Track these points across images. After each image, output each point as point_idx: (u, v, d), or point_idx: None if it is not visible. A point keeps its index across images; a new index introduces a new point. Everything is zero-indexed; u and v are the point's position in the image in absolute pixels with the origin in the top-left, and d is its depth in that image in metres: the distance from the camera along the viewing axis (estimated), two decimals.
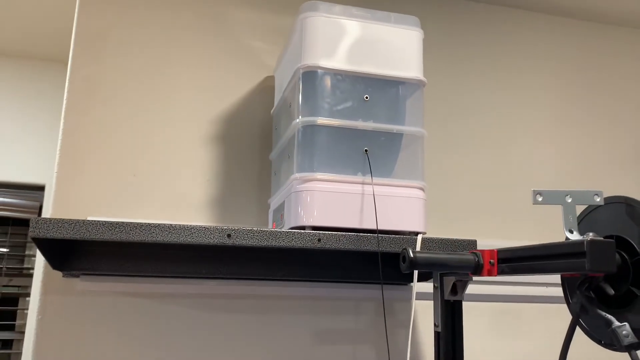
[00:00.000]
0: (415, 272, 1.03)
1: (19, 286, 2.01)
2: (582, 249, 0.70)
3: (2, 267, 1.98)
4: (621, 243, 0.76)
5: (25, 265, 2.03)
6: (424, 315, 1.41)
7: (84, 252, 1.18)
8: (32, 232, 0.91)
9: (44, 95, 2.08)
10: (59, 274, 1.22)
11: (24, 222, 2.01)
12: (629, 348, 0.72)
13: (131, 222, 0.95)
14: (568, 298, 0.85)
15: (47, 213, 2.03)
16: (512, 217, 1.55)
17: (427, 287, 1.29)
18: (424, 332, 1.41)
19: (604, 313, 0.74)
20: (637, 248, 0.74)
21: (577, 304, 0.77)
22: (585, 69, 1.74)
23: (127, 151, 1.32)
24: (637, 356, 0.71)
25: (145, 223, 0.96)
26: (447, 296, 1.05)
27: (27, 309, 1.97)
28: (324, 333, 1.35)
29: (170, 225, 0.97)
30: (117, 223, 0.95)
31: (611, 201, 0.79)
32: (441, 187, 1.52)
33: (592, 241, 0.70)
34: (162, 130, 1.35)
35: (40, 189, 2.03)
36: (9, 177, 1.98)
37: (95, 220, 0.94)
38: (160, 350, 1.23)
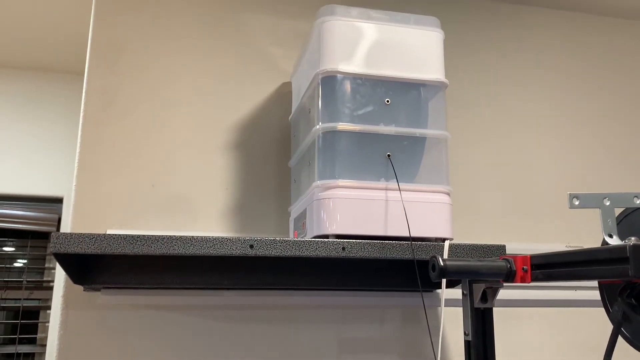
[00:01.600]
0: (444, 280, 0.99)
1: (39, 299, 2.01)
2: (624, 254, 0.67)
3: (22, 280, 1.98)
4: None
5: (45, 278, 2.03)
6: (450, 322, 1.38)
7: (104, 266, 1.16)
8: (52, 247, 0.90)
9: (61, 107, 2.08)
10: (80, 288, 1.21)
11: (43, 235, 2.01)
12: None
13: (152, 235, 0.94)
14: (607, 306, 0.81)
15: (66, 225, 2.03)
16: (537, 218, 1.51)
17: (454, 293, 1.26)
18: (451, 339, 1.37)
19: None
20: None
21: (619, 312, 0.74)
22: (609, 65, 1.70)
23: (145, 162, 1.31)
24: None
25: (166, 236, 0.94)
26: (477, 304, 1.01)
27: (48, 322, 1.97)
28: (350, 342, 1.32)
29: (192, 237, 0.95)
30: (138, 236, 0.93)
31: None
32: (463, 190, 1.48)
33: (635, 246, 0.66)
34: (179, 140, 1.34)
35: (59, 201, 2.03)
36: (27, 190, 1.98)
37: (115, 235, 0.93)
38: None
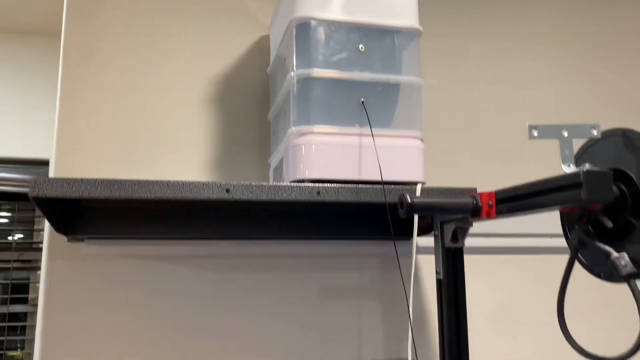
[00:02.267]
0: (415, 221, 1.03)
1: (29, 260, 2.04)
2: (578, 179, 0.70)
3: (11, 242, 2.01)
4: (620, 175, 0.75)
5: (34, 240, 2.05)
6: (426, 268, 1.41)
7: (87, 216, 1.19)
8: (31, 192, 0.92)
9: (43, 70, 2.07)
10: (63, 239, 1.23)
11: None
12: (628, 278, 0.71)
13: (130, 180, 0.96)
14: (567, 235, 0.84)
15: None
16: (513, 164, 1.53)
17: (428, 241, 1.29)
18: (428, 284, 1.41)
19: (602, 245, 0.74)
20: (635, 179, 0.73)
21: (576, 238, 0.77)
22: (586, 17, 1.70)
23: (125, 117, 1.32)
24: (635, 285, 0.71)
25: (143, 180, 0.96)
26: (447, 244, 1.05)
27: (39, 282, 2.00)
28: (330, 289, 1.36)
29: (169, 181, 0.98)
30: (116, 181, 0.95)
31: (608, 134, 0.78)
32: (440, 138, 1.50)
33: (588, 171, 0.69)
34: (159, 94, 1.35)
35: (45, 163, 2.04)
36: (12, 152, 1.99)
37: (94, 179, 0.95)
38: (167, 310, 1.25)
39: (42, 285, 1.22)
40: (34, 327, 2.01)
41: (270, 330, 1.30)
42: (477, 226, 1.40)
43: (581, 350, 0.75)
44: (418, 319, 1.40)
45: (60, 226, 1.13)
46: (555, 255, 1.49)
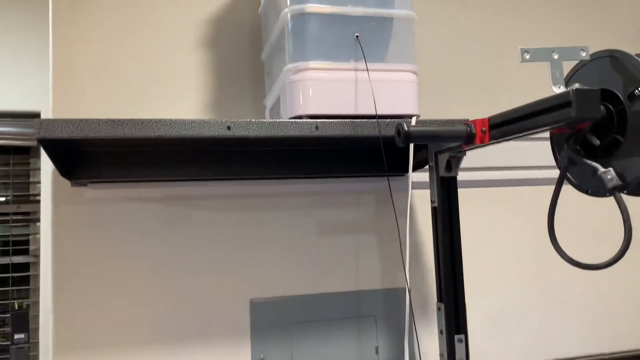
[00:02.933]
0: (411, 151, 1.06)
1: (28, 212, 2.06)
2: (568, 98, 0.73)
3: (9, 196, 2.03)
4: (607, 95, 0.79)
5: (31, 192, 2.07)
6: (421, 203, 1.46)
7: (89, 161, 1.21)
8: (37, 133, 0.94)
9: (30, 21, 2.04)
10: (67, 184, 1.25)
11: (25, 150, 2.04)
12: (613, 190, 0.76)
13: (134, 119, 0.98)
14: (556, 155, 0.89)
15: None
16: (506, 95, 1.56)
17: (423, 176, 1.34)
18: (422, 218, 1.47)
19: (590, 162, 0.78)
20: (621, 97, 0.77)
21: (565, 157, 0.81)
22: None
23: (118, 61, 1.32)
24: (621, 197, 0.76)
25: (147, 119, 0.98)
26: (442, 173, 1.10)
27: (39, 233, 2.04)
28: (328, 225, 1.41)
29: (171, 120, 1.00)
30: (120, 120, 0.97)
31: (597, 56, 0.81)
32: (433, 72, 1.52)
33: (577, 90, 0.73)
34: (150, 37, 1.35)
35: (35, 116, 2.03)
36: (4, 106, 1.98)
37: (98, 119, 0.97)
38: (171, 249, 1.30)
39: (49, 230, 1.26)
40: (36, 276, 2.06)
41: (272, 264, 1.35)
42: (469, 160, 1.45)
43: (571, 260, 0.81)
44: (413, 251, 1.46)
45: (64, 170, 1.16)
46: (542, 186, 1.55)
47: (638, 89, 0.75)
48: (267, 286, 1.35)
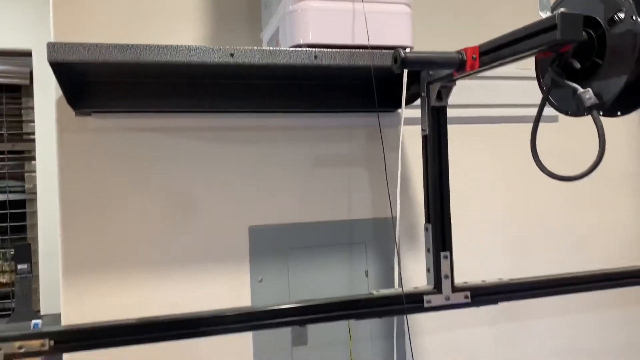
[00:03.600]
0: (405, 80, 1.12)
1: (22, 151, 2.09)
2: (553, 22, 0.80)
3: (3, 134, 2.05)
4: (588, 22, 0.86)
5: (25, 131, 2.09)
6: (411, 140, 1.53)
7: (94, 91, 1.24)
8: (49, 56, 0.98)
9: None
10: (71, 114, 1.29)
11: (16, 89, 2.04)
12: (590, 109, 0.84)
13: (141, 44, 1.02)
14: (540, 79, 0.96)
15: (39, 77, 2.04)
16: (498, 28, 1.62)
17: (413, 113, 1.40)
18: (412, 155, 1.54)
19: (571, 83, 0.86)
20: (601, 22, 0.84)
21: (549, 79, 0.88)
22: None
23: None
24: (597, 115, 0.84)
25: (154, 45, 1.02)
26: (433, 102, 1.16)
27: (34, 171, 2.07)
28: (322, 158, 1.48)
29: (177, 46, 1.04)
30: (129, 45, 1.01)
31: None
32: (425, 4, 1.57)
33: (562, 14, 0.79)
34: None
35: (28, 54, 2.04)
36: None
37: (108, 44, 1.00)
38: (172, 179, 1.36)
39: (56, 158, 1.30)
40: (33, 213, 2.10)
41: (270, 193, 1.43)
42: (459, 98, 1.52)
43: (550, 173, 0.90)
44: (402, 184, 1.53)
45: (69, 99, 1.20)
46: (527, 124, 1.63)
47: (617, 14, 0.81)
48: (265, 214, 1.43)
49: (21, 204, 2.08)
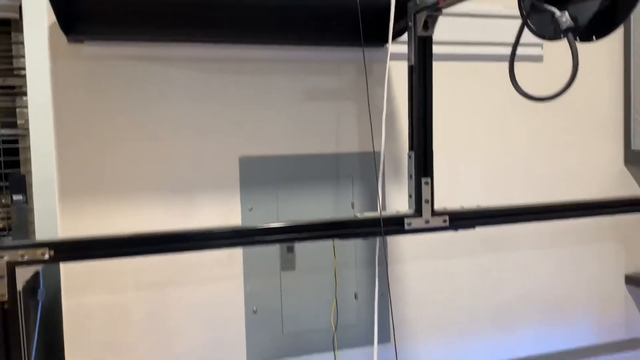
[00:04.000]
0: (392, 13, 1.15)
1: (13, 86, 2.09)
2: None
3: None
4: None
5: (15, 66, 2.08)
6: (397, 75, 1.57)
7: (87, 18, 1.26)
8: None
9: None
10: (63, 41, 1.31)
11: (5, 23, 2.03)
12: (566, 31, 0.88)
13: None
14: (521, 3, 0.99)
15: (27, 10, 2.01)
16: None
17: (400, 49, 1.43)
18: (398, 89, 1.58)
19: (548, 6, 0.89)
20: None
21: (528, 3, 0.92)
22: None
23: None
24: (572, 39, 0.88)
25: None
26: (419, 32, 1.19)
27: (26, 107, 2.08)
28: (312, 91, 1.51)
29: None
30: None
31: None
32: None
33: None
34: None
35: None
36: None
37: None
38: (164, 107, 1.39)
39: (49, 84, 1.33)
40: (26, 148, 2.12)
41: (260, 125, 1.47)
42: (447, 35, 1.55)
43: (525, 94, 0.94)
44: (390, 119, 1.58)
45: (63, 24, 1.21)
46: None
47: None
48: (255, 145, 1.47)
49: (13, 140, 2.09)
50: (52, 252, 1.00)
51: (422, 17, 1.17)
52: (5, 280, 0.97)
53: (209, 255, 1.42)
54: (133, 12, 1.28)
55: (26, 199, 1.91)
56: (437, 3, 1.08)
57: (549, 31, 0.94)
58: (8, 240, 1.04)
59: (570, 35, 0.88)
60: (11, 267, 0.97)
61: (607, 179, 1.81)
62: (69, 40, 1.31)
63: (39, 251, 0.99)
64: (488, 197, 1.68)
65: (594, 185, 1.80)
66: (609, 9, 0.90)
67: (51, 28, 1.30)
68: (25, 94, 2.17)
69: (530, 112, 1.70)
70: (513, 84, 0.96)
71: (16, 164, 2.10)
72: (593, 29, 0.92)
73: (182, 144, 1.41)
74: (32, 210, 2.08)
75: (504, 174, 1.70)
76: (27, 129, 2.12)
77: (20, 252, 0.98)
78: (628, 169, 1.83)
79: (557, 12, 0.88)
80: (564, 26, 0.87)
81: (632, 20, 1.77)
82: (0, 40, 2.16)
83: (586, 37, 0.92)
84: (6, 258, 0.97)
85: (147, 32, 1.32)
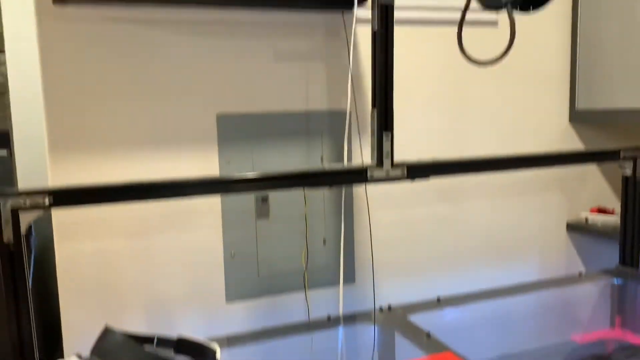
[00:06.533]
0: None
1: None
2: None
3: None
4: None
5: None
6: (362, 39, 1.68)
7: None
8: None
9: None
10: (48, 2, 1.38)
11: None
12: (506, 4, 1.02)
13: None
14: None
15: None
16: None
17: (366, 14, 1.54)
18: (363, 53, 1.70)
19: None
20: None
21: None
22: None
23: None
24: (511, 10, 1.02)
25: None
26: (382, 1, 1.31)
27: (4, 64, 2.13)
28: (284, 52, 1.62)
29: None
30: None
31: None
32: None
33: None
34: None
35: None
36: None
37: None
38: (145, 67, 1.49)
39: (36, 45, 1.40)
40: (5, 106, 2.18)
41: (235, 84, 1.58)
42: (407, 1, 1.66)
43: (469, 58, 1.08)
44: (357, 80, 1.70)
45: None
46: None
47: None
48: (231, 103, 1.59)
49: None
50: (51, 199, 1.11)
51: None
52: (10, 225, 1.08)
53: (192, 206, 1.55)
54: None
55: (11, 153, 2.00)
56: None
57: (493, 1, 1.08)
58: (10, 188, 1.15)
59: (509, 7, 1.01)
60: (15, 212, 1.09)
61: (553, 134, 1.99)
62: (54, 2, 1.38)
63: (40, 197, 1.11)
64: (444, 150, 1.83)
65: (541, 140, 1.97)
66: None
67: None
68: (2, 50, 2.21)
69: (483, 72, 1.84)
70: (460, 49, 1.10)
71: None
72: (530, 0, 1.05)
73: (165, 102, 1.51)
74: (14, 165, 2.16)
75: (460, 128, 1.86)
76: (6, 86, 2.17)
77: (23, 198, 1.10)
78: (572, 126, 2.00)
79: None
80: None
81: None
82: None
83: (524, 8, 1.06)
84: (10, 204, 1.08)
85: None
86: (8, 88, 2.19)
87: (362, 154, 1.72)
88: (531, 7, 1.05)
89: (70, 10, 1.40)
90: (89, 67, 1.44)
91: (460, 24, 1.10)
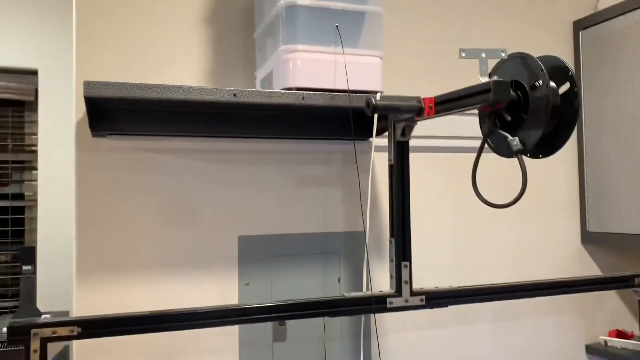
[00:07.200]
0: (375, 120, 1.36)
1: (23, 161, 2.26)
2: (488, 86, 1.05)
3: (8, 144, 2.21)
4: (517, 85, 1.11)
5: (26, 142, 2.26)
6: (379, 163, 1.77)
7: (110, 116, 1.45)
8: (86, 92, 1.18)
9: None
10: (88, 135, 1.49)
11: (20, 104, 2.21)
12: (517, 153, 1.09)
13: (160, 84, 1.23)
14: (481, 126, 1.21)
15: (44, 95, 2.21)
16: (448, 80, 1.89)
17: (381, 142, 1.64)
18: (380, 176, 1.78)
19: (503, 132, 1.11)
20: (526, 86, 1.09)
21: (486, 127, 1.13)
22: None
23: (131, 32, 1.55)
24: (521, 158, 1.09)
25: (170, 85, 1.24)
26: (398, 138, 1.40)
27: (36, 180, 2.24)
28: (303, 178, 1.70)
29: (190, 86, 1.26)
30: (150, 85, 1.23)
31: (512, 56, 1.13)
32: (394, 58, 1.83)
33: (495, 81, 1.04)
34: (154, 12, 1.58)
35: (34, 73, 2.21)
36: (3, 62, 2.14)
37: (132, 83, 1.22)
38: (174, 194, 1.56)
39: (74, 172, 1.50)
40: (31, 219, 2.27)
41: (257, 208, 1.65)
42: (422, 130, 1.77)
43: (485, 201, 1.14)
44: (372, 202, 1.77)
45: (91, 123, 1.40)
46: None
47: (537, 82, 1.07)
48: (252, 226, 1.65)
49: (20, 210, 2.24)
50: (79, 329, 1.14)
51: (400, 126, 1.38)
52: (38, 354, 1.10)
53: (209, 328, 1.56)
54: (150, 112, 1.47)
55: (35, 269, 2.05)
56: (413, 117, 1.30)
57: (504, 150, 1.16)
58: (40, 319, 1.18)
59: (520, 156, 1.09)
60: (44, 342, 1.11)
61: (566, 256, 2.02)
62: (93, 135, 1.49)
63: (67, 328, 1.13)
64: (458, 272, 1.86)
65: (554, 262, 1.99)
66: (551, 134, 1.11)
67: (78, 123, 1.48)
68: (35, 168, 2.34)
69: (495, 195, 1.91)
70: (475, 192, 1.16)
71: (21, 234, 2.24)
72: (540, 148, 1.13)
73: (187, 225, 1.58)
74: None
75: (472, 252, 1.89)
76: (35, 201, 2.27)
77: (51, 329, 1.12)
78: (585, 247, 2.04)
79: (509, 137, 1.09)
80: (514, 149, 1.08)
81: (583, 116, 2.03)
82: (15, 121, 2.35)
83: (534, 155, 1.13)
84: (40, 335, 1.11)
85: (161, 128, 1.50)
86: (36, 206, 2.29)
87: (377, 274, 1.74)
88: (540, 156, 1.12)
89: (106, 141, 1.51)
90: (118, 193, 1.52)
91: (474, 168, 1.17)
